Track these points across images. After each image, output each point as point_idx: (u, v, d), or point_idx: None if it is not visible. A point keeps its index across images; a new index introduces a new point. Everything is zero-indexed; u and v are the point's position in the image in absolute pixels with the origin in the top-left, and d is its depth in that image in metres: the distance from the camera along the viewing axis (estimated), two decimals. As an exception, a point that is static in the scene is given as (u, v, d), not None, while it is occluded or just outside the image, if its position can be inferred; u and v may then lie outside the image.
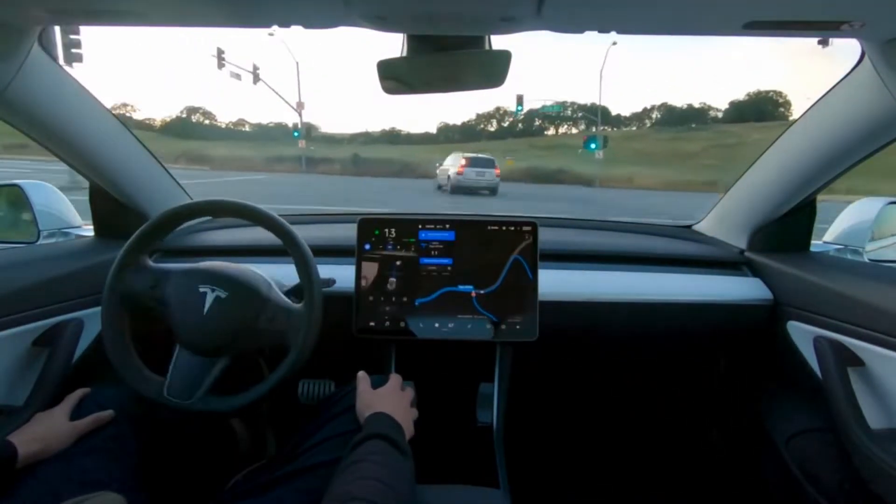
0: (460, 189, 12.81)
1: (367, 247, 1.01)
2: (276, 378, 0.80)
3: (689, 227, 1.38)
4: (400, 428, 0.69)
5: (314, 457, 0.72)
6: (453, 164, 13.51)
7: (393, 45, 0.76)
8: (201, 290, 0.81)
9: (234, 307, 0.80)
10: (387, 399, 0.76)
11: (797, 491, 0.99)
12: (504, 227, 1.02)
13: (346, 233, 1.04)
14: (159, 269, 0.84)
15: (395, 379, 0.83)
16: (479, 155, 13.95)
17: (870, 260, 1.18)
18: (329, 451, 0.72)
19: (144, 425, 0.81)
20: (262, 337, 0.82)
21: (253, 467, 0.84)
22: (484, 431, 0.99)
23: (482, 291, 1.01)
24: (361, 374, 0.81)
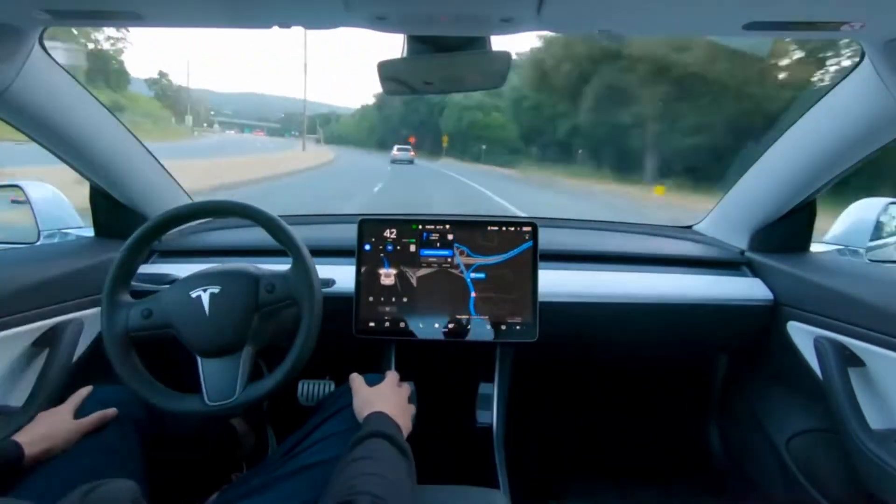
0: (395, 161, 22.68)
1: (367, 247, 1.01)
2: (304, 338, 0.80)
3: (689, 227, 1.38)
4: (398, 426, 0.70)
5: (313, 455, 0.72)
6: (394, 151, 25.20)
7: (393, 45, 0.78)
8: (194, 294, 0.81)
9: (231, 295, 0.80)
10: (384, 396, 0.76)
11: (797, 491, 0.99)
12: (504, 228, 1.02)
13: (346, 233, 1.04)
14: (146, 299, 0.84)
15: (391, 375, 0.83)
16: (403, 145, 25.52)
17: (870, 260, 1.18)
18: (327, 449, 0.72)
19: (147, 425, 0.81)
20: (270, 310, 0.82)
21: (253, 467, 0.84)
22: (484, 432, 0.99)
23: (482, 292, 1.01)
24: (354, 375, 0.81)
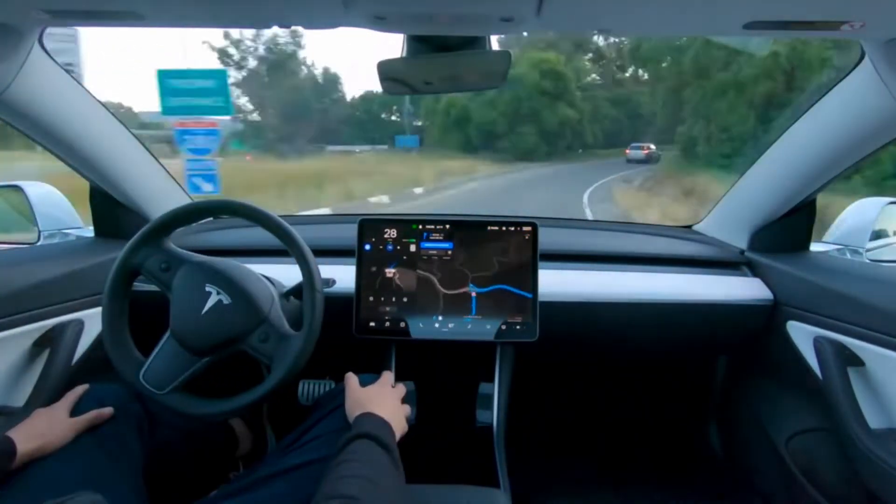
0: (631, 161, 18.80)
1: (368, 247, 1.01)
2: (245, 399, 0.78)
3: (689, 227, 1.38)
4: (387, 425, 0.69)
5: (306, 454, 0.73)
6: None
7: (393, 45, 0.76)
8: (207, 289, 0.80)
9: (232, 316, 0.79)
10: (376, 397, 0.76)
11: (797, 491, 0.99)
12: (504, 228, 1.02)
13: (347, 233, 1.04)
14: (175, 253, 0.83)
15: (386, 376, 0.83)
16: (636, 143, 20.51)
17: (870, 260, 1.18)
18: (318, 448, 0.73)
19: (144, 423, 0.81)
20: (248, 352, 0.80)
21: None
22: (484, 431, 0.99)
23: (482, 291, 1.01)
24: (349, 374, 0.81)
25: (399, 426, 0.73)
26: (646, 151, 18.43)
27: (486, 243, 1.01)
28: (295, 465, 0.71)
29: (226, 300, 0.80)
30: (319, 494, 0.56)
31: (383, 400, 0.76)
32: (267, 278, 0.89)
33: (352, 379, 0.80)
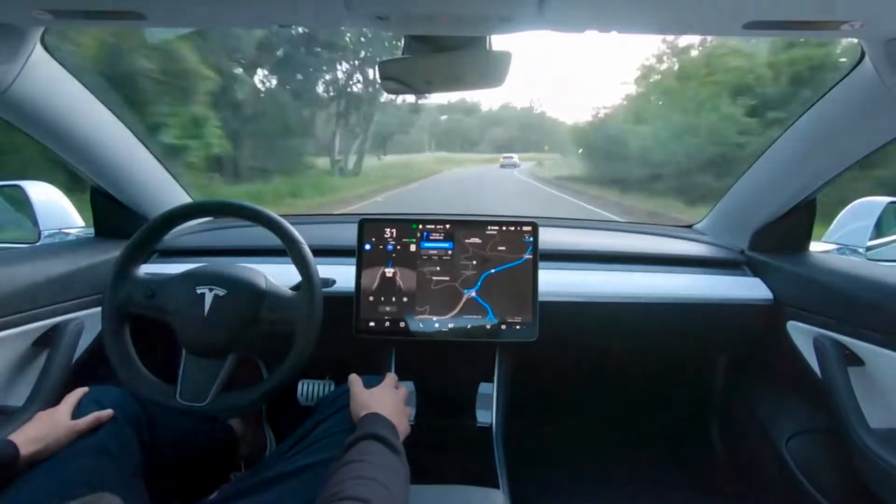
0: (504, 166, 26.48)
1: (368, 247, 1.01)
2: (289, 366, 0.80)
3: (689, 226, 1.38)
4: (393, 427, 0.69)
5: (308, 457, 0.73)
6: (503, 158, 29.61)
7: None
8: (199, 291, 0.81)
9: (234, 303, 0.80)
10: (380, 398, 0.76)
11: (797, 491, 0.99)
12: (504, 228, 1.02)
13: (347, 233, 1.04)
14: (154, 279, 0.84)
15: (389, 378, 0.83)
16: (509, 154, 29.42)
17: (869, 259, 1.18)
18: (322, 450, 0.73)
19: (144, 425, 0.81)
20: (266, 328, 0.82)
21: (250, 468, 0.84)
22: (484, 432, 0.99)
23: (482, 292, 1.01)
24: (353, 376, 0.81)
25: (403, 428, 0.73)
26: (514, 159, 26.75)
27: (486, 243, 1.01)
28: (299, 467, 0.71)
29: (221, 292, 0.81)
30: (327, 493, 0.55)
31: (388, 401, 0.76)
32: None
33: (356, 380, 0.80)
